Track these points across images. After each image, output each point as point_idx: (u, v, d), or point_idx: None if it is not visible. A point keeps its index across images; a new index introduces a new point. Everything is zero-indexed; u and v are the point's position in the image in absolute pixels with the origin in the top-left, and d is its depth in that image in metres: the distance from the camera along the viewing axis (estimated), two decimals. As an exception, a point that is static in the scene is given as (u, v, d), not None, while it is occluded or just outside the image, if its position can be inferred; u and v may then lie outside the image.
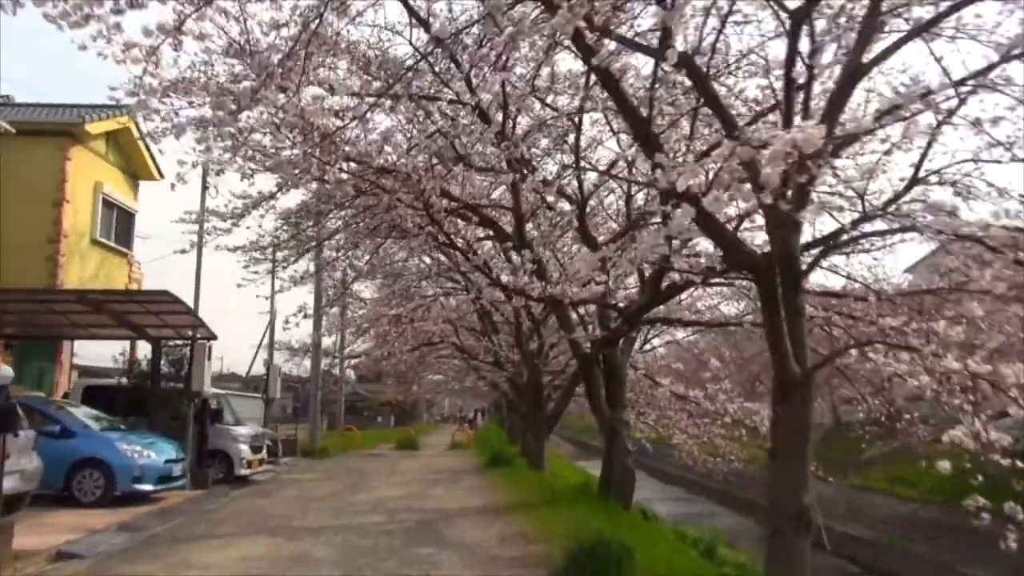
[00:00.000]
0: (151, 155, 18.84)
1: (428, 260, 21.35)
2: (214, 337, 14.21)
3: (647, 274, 11.56)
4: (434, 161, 8.31)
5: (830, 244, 7.49)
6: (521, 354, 19.92)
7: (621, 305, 10.68)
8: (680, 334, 20.45)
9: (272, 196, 11.50)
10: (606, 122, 13.78)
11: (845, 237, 7.62)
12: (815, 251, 7.68)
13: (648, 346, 20.91)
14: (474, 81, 9.29)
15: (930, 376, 7.96)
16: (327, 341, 28.03)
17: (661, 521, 16.44)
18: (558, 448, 36.62)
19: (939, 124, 8.69)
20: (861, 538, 20.82)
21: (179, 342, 14.97)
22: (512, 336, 21.60)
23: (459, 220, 13.02)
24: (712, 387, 17.25)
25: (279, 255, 13.12)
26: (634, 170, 13.16)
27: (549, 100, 10.86)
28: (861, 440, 15.68)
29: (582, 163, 13.57)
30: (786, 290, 5.20)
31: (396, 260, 22.10)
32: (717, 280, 10.48)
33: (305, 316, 9.86)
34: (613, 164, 11.92)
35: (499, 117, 9.70)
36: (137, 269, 19.72)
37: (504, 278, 8.89)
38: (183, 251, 11.50)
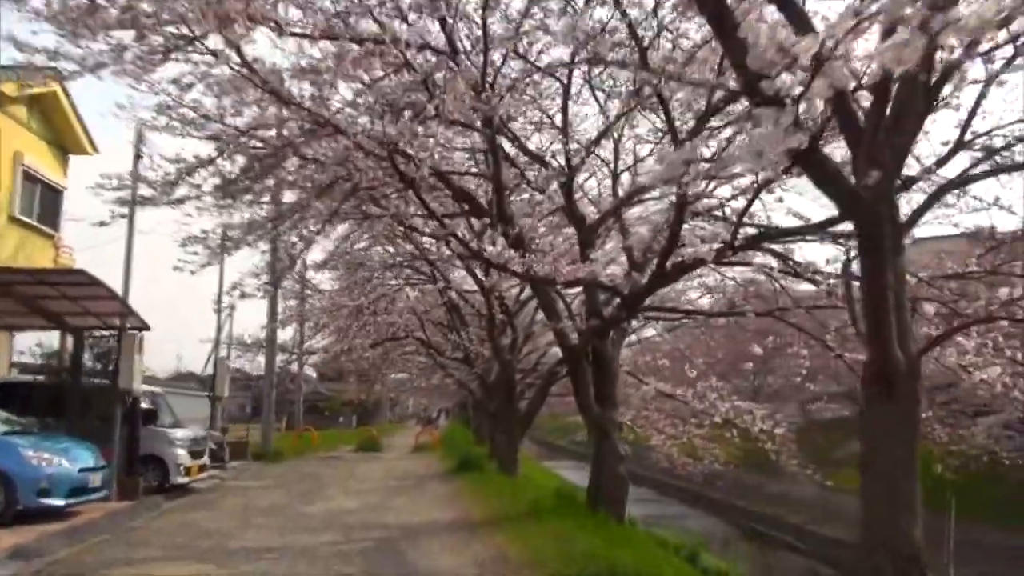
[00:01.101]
0: (82, 125, 16.85)
1: (392, 249, 19.81)
2: (146, 327, 12.41)
3: (637, 255, 10.17)
4: (401, 104, 6.74)
5: (936, 193, 6.10)
6: (493, 349, 18.44)
7: (616, 287, 9.19)
8: (652, 330, 19.00)
9: (211, 161, 9.82)
10: (590, 88, 12.37)
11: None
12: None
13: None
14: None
15: (1002, 369, 6.69)
16: (284, 335, 26.26)
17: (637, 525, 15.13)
18: (527, 450, 35.09)
19: (996, 75, 7.46)
20: (841, 541, 19.99)
21: (106, 333, 13.10)
22: (483, 330, 20.21)
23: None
24: (702, 385, 15.92)
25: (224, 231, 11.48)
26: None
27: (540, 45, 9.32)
28: (831, 439, 14.80)
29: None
30: (885, 249, 3.81)
31: (357, 248, 20.55)
32: (729, 260, 9.11)
33: (243, 295, 8.21)
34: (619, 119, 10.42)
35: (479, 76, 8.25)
36: (66, 253, 17.68)
37: (487, 251, 7.36)
38: (102, 223, 9.70)
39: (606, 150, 13.81)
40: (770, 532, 22.36)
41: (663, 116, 6.84)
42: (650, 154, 14.35)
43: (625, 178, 14.17)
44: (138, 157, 12.74)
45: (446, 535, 9.25)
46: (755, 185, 8.59)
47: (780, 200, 8.81)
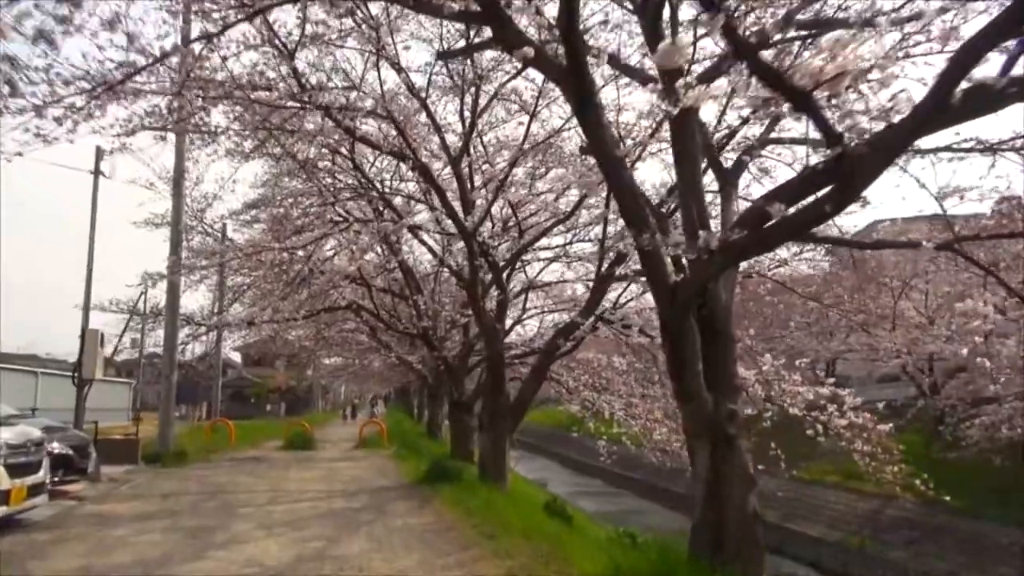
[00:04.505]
0: None
1: (331, 182, 14.87)
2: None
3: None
4: None
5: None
6: (475, 314, 13.62)
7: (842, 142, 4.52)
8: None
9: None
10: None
11: None
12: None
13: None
14: None
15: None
16: (193, 304, 20.88)
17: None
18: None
19: None
20: (823, 540, 17.13)
21: None
22: (457, 287, 15.59)
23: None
24: (772, 362, 11.53)
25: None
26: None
27: None
28: (805, 432, 11.31)
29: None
30: None
31: (288, 185, 15.57)
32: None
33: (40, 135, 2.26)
34: None
35: None
36: None
37: None
38: None
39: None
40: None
41: None
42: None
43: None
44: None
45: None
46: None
47: None
